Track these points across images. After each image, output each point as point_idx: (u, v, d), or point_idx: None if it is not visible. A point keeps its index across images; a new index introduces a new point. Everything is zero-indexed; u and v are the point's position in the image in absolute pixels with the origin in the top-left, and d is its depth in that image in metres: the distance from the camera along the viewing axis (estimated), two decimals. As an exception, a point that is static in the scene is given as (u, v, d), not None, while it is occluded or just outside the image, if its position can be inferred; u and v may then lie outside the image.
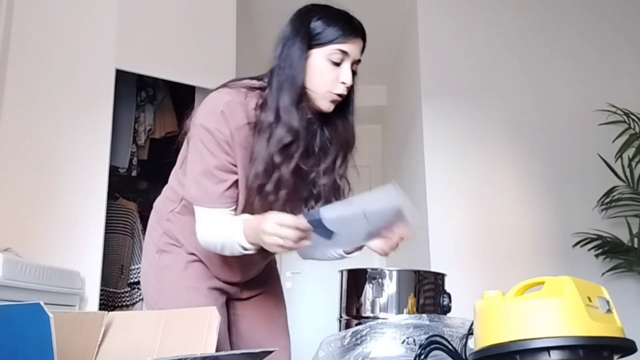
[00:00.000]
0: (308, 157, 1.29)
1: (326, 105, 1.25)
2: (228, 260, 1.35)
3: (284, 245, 1.07)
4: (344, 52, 1.22)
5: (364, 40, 1.27)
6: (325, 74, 1.22)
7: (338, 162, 1.31)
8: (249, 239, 1.15)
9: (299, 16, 1.26)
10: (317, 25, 1.22)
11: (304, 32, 1.22)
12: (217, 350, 1.10)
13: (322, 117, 1.30)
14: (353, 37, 1.23)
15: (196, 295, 1.34)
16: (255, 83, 1.27)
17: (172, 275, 1.36)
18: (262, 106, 1.22)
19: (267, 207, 1.20)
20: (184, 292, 1.35)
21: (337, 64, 1.22)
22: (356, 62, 1.26)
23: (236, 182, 1.23)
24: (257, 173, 1.20)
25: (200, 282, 1.36)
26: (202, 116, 1.21)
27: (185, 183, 1.27)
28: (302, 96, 1.22)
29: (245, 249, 1.18)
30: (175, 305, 1.24)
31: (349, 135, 1.33)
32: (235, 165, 1.22)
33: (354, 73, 1.27)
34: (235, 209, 1.25)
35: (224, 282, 1.42)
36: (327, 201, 1.30)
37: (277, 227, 1.06)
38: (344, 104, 1.30)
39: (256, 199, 1.22)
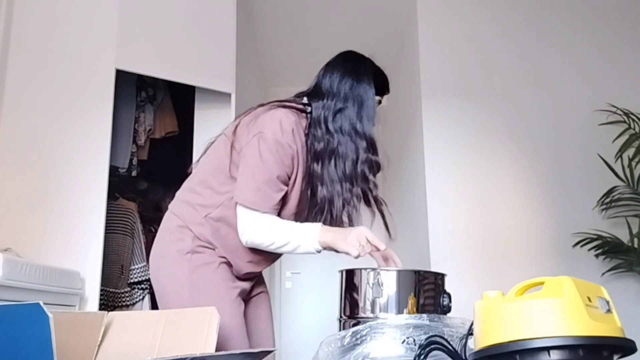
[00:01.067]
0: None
1: None
2: (255, 261, 1.49)
3: (359, 250, 1.35)
4: (380, 102, 1.53)
5: None
6: None
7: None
8: (324, 239, 1.37)
9: (362, 63, 1.51)
10: (375, 76, 1.50)
11: (368, 77, 1.48)
12: (232, 347, 1.11)
13: None
14: (388, 91, 1.55)
15: (230, 292, 1.44)
16: (299, 105, 1.47)
17: (207, 273, 1.43)
18: (321, 129, 1.43)
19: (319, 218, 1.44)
20: (218, 287, 1.43)
21: None
22: None
23: (286, 192, 1.41)
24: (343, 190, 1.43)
25: (229, 282, 1.46)
26: (275, 131, 1.36)
27: (236, 189, 1.39)
28: None
29: (317, 250, 1.39)
30: (212, 300, 1.31)
31: None
32: (289, 178, 1.40)
33: None
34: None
35: (244, 279, 1.52)
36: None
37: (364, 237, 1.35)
38: None
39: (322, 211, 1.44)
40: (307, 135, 1.44)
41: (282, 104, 1.45)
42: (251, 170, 1.36)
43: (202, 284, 1.41)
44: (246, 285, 1.52)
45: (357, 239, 1.33)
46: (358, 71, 1.48)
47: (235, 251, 1.45)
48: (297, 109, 1.44)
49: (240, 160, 1.39)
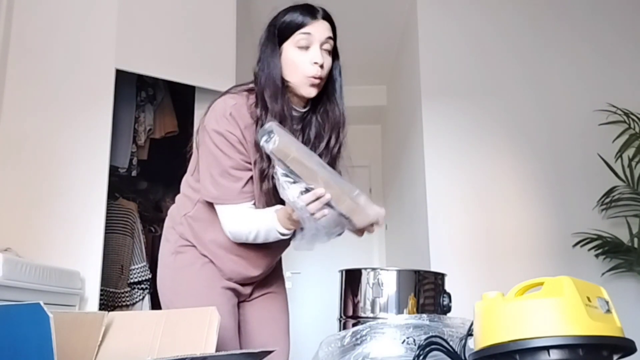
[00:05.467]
0: (307, 145, 1.37)
1: (307, 91, 1.33)
2: (241, 257, 1.42)
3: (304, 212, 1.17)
4: (308, 34, 1.30)
5: (328, 20, 1.35)
6: (296, 60, 1.31)
7: (332, 142, 1.40)
8: (285, 225, 1.28)
9: (270, 22, 1.37)
10: (282, 21, 1.33)
11: (272, 32, 1.34)
12: (224, 349, 1.11)
13: (315, 107, 1.40)
14: (312, 19, 1.32)
15: (210, 293, 1.40)
16: (252, 86, 1.38)
17: (188, 275, 1.42)
18: (256, 105, 1.33)
19: (272, 193, 1.31)
20: (198, 290, 1.40)
21: (306, 48, 1.31)
22: (327, 42, 1.33)
23: (251, 177, 1.33)
24: (259, 161, 1.30)
25: (214, 282, 1.43)
26: (213, 121, 1.31)
27: (201, 187, 1.37)
28: (283, 89, 1.32)
29: (283, 234, 1.30)
30: (190, 303, 1.28)
31: (338, 116, 1.40)
32: (249, 163, 1.32)
33: (333, 53, 1.36)
34: (254, 202, 1.34)
35: (238, 282, 1.46)
36: None
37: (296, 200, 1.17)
38: (329, 87, 1.38)
39: (263, 185, 1.31)
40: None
41: (228, 90, 1.40)
42: (206, 166, 1.34)
43: (184, 287, 1.42)
44: (238, 286, 1.47)
45: (298, 211, 1.18)
46: (265, 31, 1.37)
47: (212, 249, 1.42)
48: (247, 90, 1.36)
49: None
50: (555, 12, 3.44)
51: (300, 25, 1.30)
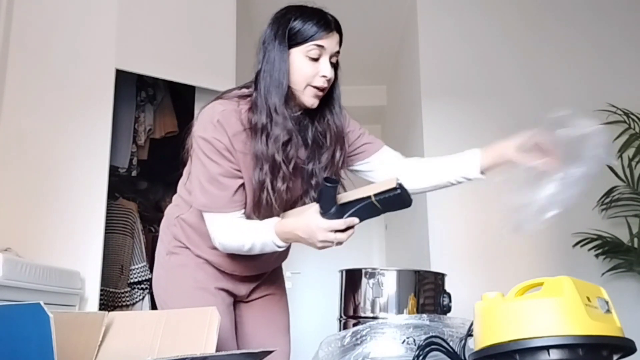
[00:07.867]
0: (303, 150, 1.36)
1: (310, 101, 1.31)
2: (240, 258, 1.39)
3: (335, 245, 1.19)
4: (321, 47, 1.27)
5: (339, 33, 1.32)
6: (305, 70, 1.28)
7: (337, 154, 1.37)
8: (285, 240, 1.25)
9: (277, 19, 1.32)
10: (294, 25, 1.28)
11: (282, 33, 1.28)
12: (221, 350, 1.11)
13: (312, 112, 1.36)
14: (327, 31, 1.28)
15: (204, 294, 1.39)
16: (245, 91, 1.34)
17: (181, 275, 1.42)
18: (252, 110, 1.29)
19: (270, 203, 1.28)
20: (191, 292, 1.40)
21: (316, 59, 1.28)
22: (335, 55, 1.32)
23: (242, 185, 1.30)
24: (263, 172, 1.27)
25: (208, 283, 1.42)
26: (200, 128, 1.28)
27: (192, 195, 1.35)
28: (289, 95, 1.29)
29: (280, 247, 1.26)
30: (183, 304, 1.28)
31: (340, 127, 1.39)
32: (238, 170, 1.29)
33: (334, 66, 1.33)
34: (244, 212, 1.31)
35: (238, 280, 1.46)
36: None
37: (330, 234, 1.17)
38: (329, 97, 1.36)
39: (262, 196, 1.28)
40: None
41: (219, 95, 1.35)
42: (195, 173, 1.31)
43: (177, 288, 1.41)
44: (235, 286, 1.46)
45: (325, 241, 1.18)
46: (271, 28, 1.31)
47: (207, 250, 1.40)
48: (238, 96, 1.32)
49: None
50: (555, 13, 3.44)
51: (314, 37, 1.27)
